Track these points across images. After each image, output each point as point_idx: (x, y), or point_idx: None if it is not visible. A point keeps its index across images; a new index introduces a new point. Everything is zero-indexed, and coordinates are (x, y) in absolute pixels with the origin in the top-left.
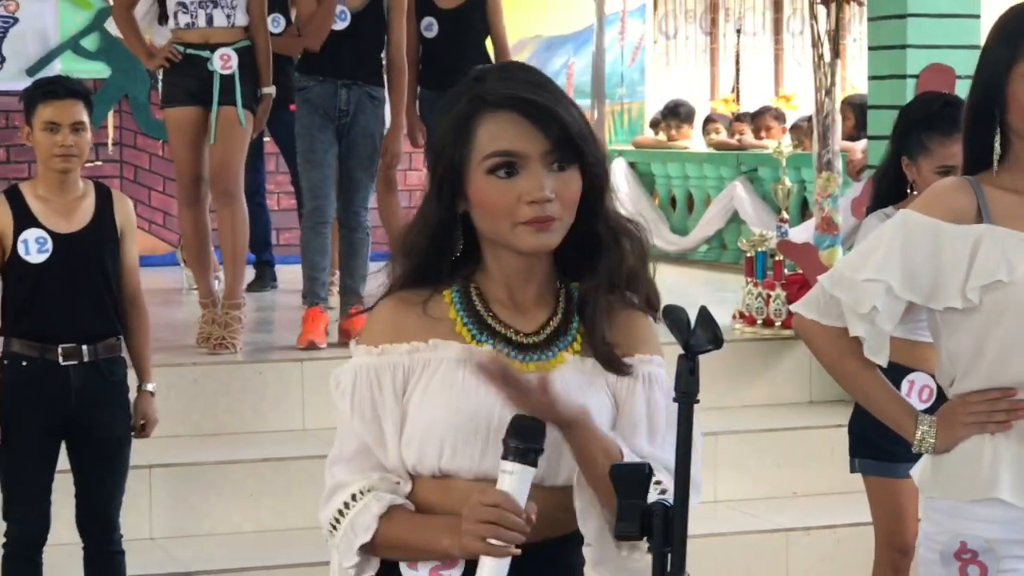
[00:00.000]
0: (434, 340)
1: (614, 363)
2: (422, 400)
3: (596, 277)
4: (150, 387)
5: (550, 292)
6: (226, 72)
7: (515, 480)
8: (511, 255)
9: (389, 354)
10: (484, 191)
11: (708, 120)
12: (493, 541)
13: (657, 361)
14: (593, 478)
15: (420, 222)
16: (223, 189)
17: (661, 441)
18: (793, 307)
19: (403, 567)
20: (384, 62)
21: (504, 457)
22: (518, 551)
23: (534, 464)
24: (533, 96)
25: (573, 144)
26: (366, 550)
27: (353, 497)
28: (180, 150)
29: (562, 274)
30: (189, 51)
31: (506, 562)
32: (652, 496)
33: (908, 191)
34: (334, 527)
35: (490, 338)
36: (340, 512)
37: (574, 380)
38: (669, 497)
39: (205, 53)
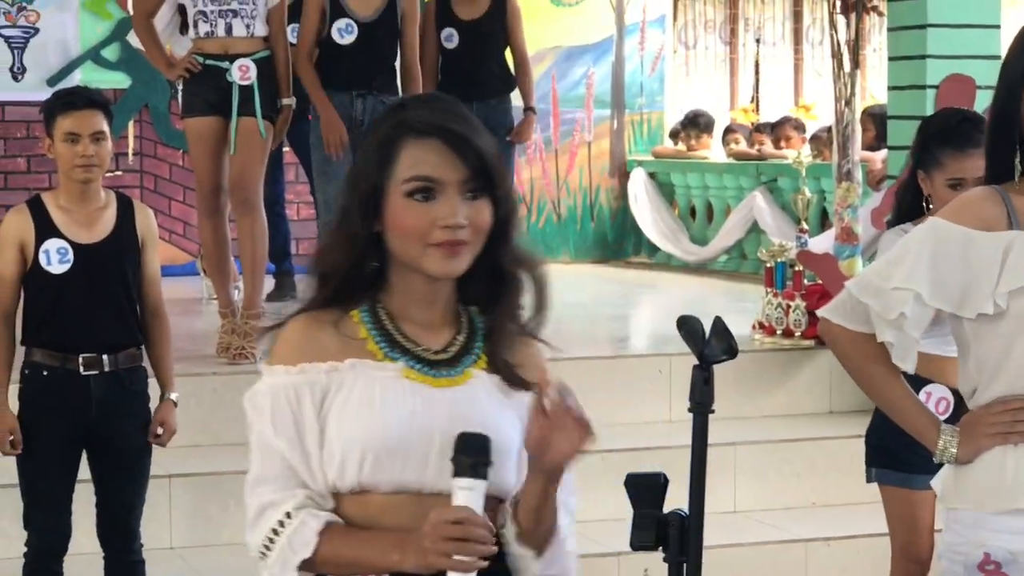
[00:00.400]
0: (351, 360)
1: (517, 381)
2: (340, 417)
3: (497, 306)
4: (173, 396)
5: (452, 313)
6: (245, 83)
7: (474, 495)
8: (419, 277)
9: (308, 372)
10: (401, 213)
11: (728, 130)
12: (461, 557)
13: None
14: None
15: (339, 241)
16: (242, 199)
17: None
18: (820, 312)
19: None
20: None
21: (457, 474)
22: (486, 564)
23: (486, 477)
24: (455, 126)
25: (488, 175)
26: (304, 567)
27: (287, 515)
28: (200, 160)
29: (463, 299)
30: (208, 62)
31: None
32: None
33: (926, 206)
34: (267, 548)
35: (401, 355)
36: (274, 531)
37: (485, 395)
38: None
39: (224, 64)
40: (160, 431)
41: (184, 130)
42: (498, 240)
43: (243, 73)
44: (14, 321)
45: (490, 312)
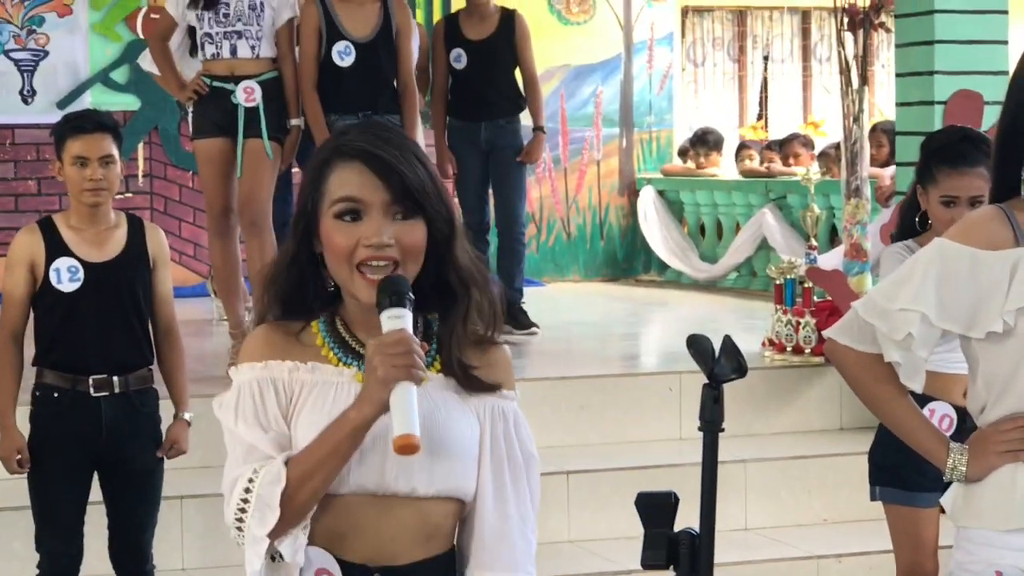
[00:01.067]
0: (312, 363)
1: (472, 381)
2: (307, 422)
3: (447, 321)
4: (187, 416)
5: None
6: (249, 105)
7: (404, 321)
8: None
9: (272, 368)
10: (330, 233)
11: (742, 147)
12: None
13: (514, 396)
14: None
15: (281, 258)
16: (251, 220)
17: (513, 510)
18: (826, 332)
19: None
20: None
21: (382, 309)
22: (429, 377)
23: (407, 306)
24: (378, 151)
25: (413, 198)
26: (284, 511)
27: (254, 471)
28: (209, 181)
29: (421, 306)
30: (215, 83)
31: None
32: None
33: (920, 222)
34: (242, 510)
35: (355, 360)
36: (246, 491)
37: (440, 397)
38: None
39: (230, 85)
40: (168, 448)
41: (193, 151)
42: (441, 258)
43: (248, 95)
44: (22, 341)
45: (443, 322)
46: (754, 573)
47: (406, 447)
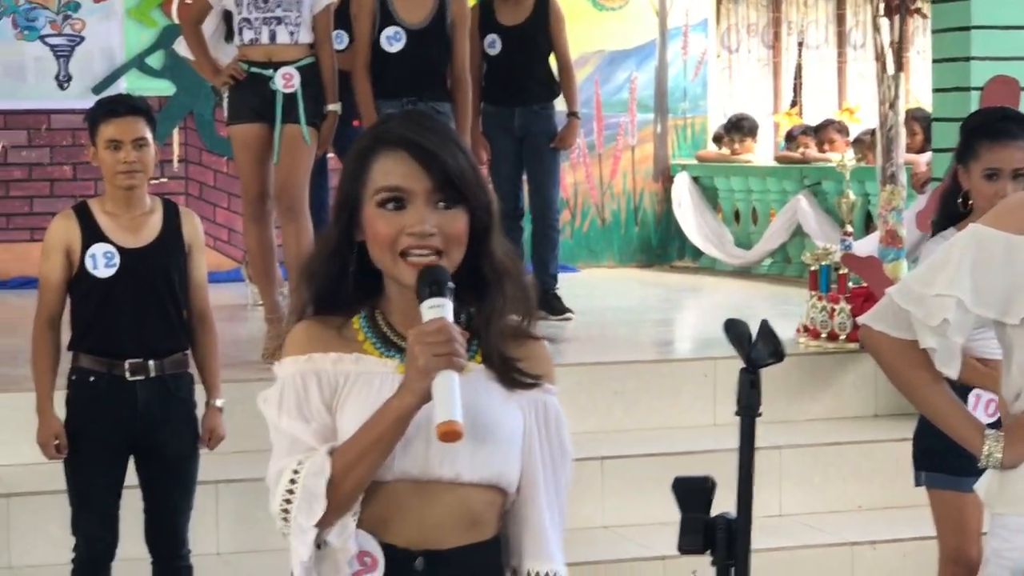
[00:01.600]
0: (356, 354)
1: (513, 378)
2: (351, 413)
3: (483, 313)
4: (219, 402)
5: None
6: (288, 91)
7: (445, 310)
8: (404, 287)
9: (315, 361)
10: (373, 222)
11: (801, 132)
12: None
13: (554, 391)
14: None
15: (321, 247)
16: (288, 206)
17: (555, 501)
18: (861, 319)
19: None
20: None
21: (423, 299)
22: (470, 366)
23: (448, 296)
24: (421, 140)
25: (455, 186)
26: (331, 501)
27: (299, 463)
28: (245, 167)
29: (461, 299)
30: (253, 69)
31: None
32: None
33: (964, 203)
34: (288, 501)
35: (396, 353)
36: (291, 482)
37: (483, 387)
38: None
39: (268, 71)
40: (208, 437)
41: (229, 137)
42: (478, 248)
43: (287, 81)
44: (59, 326)
45: (479, 314)
46: (788, 559)
47: (449, 434)
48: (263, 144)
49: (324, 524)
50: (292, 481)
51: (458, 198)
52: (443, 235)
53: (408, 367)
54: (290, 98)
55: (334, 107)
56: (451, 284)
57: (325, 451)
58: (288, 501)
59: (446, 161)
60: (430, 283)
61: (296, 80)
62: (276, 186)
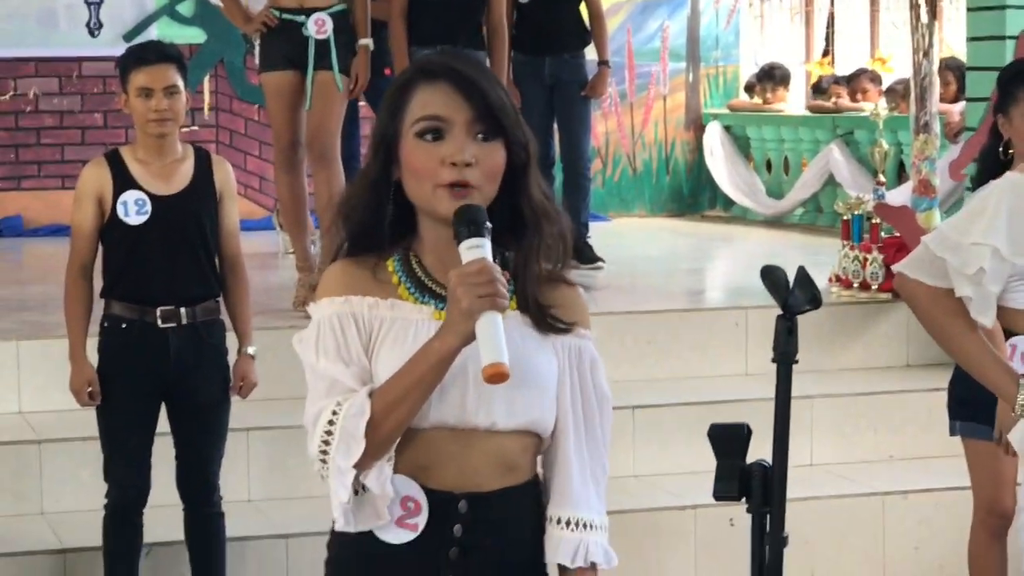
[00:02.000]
0: (392, 299)
1: (548, 323)
2: (386, 358)
3: (521, 252)
4: (250, 350)
5: None
6: (320, 37)
7: (484, 251)
8: (441, 222)
9: (352, 303)
10: (411, 153)
11: (833, 82)
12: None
13: (590, 336)
14: None
15: (359, 184)
16: (319, 153)
17: (591, 448)
18: (896, 266)
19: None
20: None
21: (461, 240)
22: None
23: (487, 236)
24: (463, 69)
25: (495, 117)
26: (369, 443)
27: (338, 404)
28: (277, 115)
29: (497, 241)
30: (285, 16)
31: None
32: (564, 539)
33: (1004, 153)
34: (326, 443)
35: (431, 298)
36: (329, 423)
37: (518, 332)
38: (589, 537)
39: (300, 18)
40: (240, 385)
41: (261, 85)
42: (515, 186)
43: (319, 27)
44: (91, 274)
45: (516, 256)
46: (820, 509)
47: (496, 375)
48: (295, 92)
49: (362, 466)
50: (331, 422)
51: (497, 131)
52: (481, 168)
53: (450, 308)
54: (322, 44)
55: (366, 41)
56: (488, 224)
57: (365, 392)
58: (327, 442)
59: (487, 91)
60: (468, 223)
61: (329, 26)
62: (308, 133)
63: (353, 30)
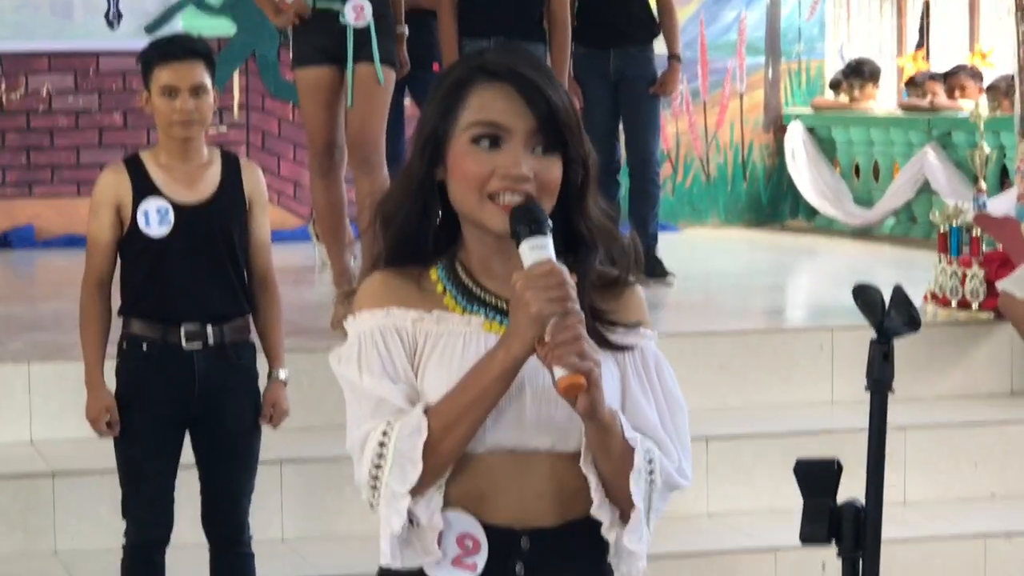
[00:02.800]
0: (437, 312)
1: (599, 336)
2: (434, 376)
3: (578, 269)
4: (282, 374)
5: None
6: (359, 25)
7: (548, 251)
8: (488, 232)
9: (395, 317)
10: (462, 158)
11: (928, 78)
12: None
13: (651, 335)
14: (597, 442)
15: (400, 187)
16: (363, 157)
17: (662, 418)
18: (1000, 284)
19: (426, 566)
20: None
21: (521, 240)
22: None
23: (548, 233)
24: (527, 72)
25: (558, 129)
26: (427, 463)
27: (388, 424)
28: (313, 114)
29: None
30: (319, 5)
31: None
32: (640, 468)
33: None
34: (378, 467)
35: (480, 307)
36: (380, 445)
37: None
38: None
39: (336, 6)
40: (271, 413)
41: (295, 81)
42: (572, 204)
43: (357, 14)
44: (109, 291)
45: (573, 272)
46: (913, 553)
47: (573, 386)
48: (332, 88)
49: (417, 492)
50: (382, 444)
51: (557, 143)
52: (538, 181)
53: (516, 314)
54: (362, 34)
55: (401, 29)
56: (549, 222)
57: (420, 409)
58: (378, 466)
59: (552, 100)
60: (528, 221)
61: (368, 11)
62: (350, 134)
63: (394, 15)
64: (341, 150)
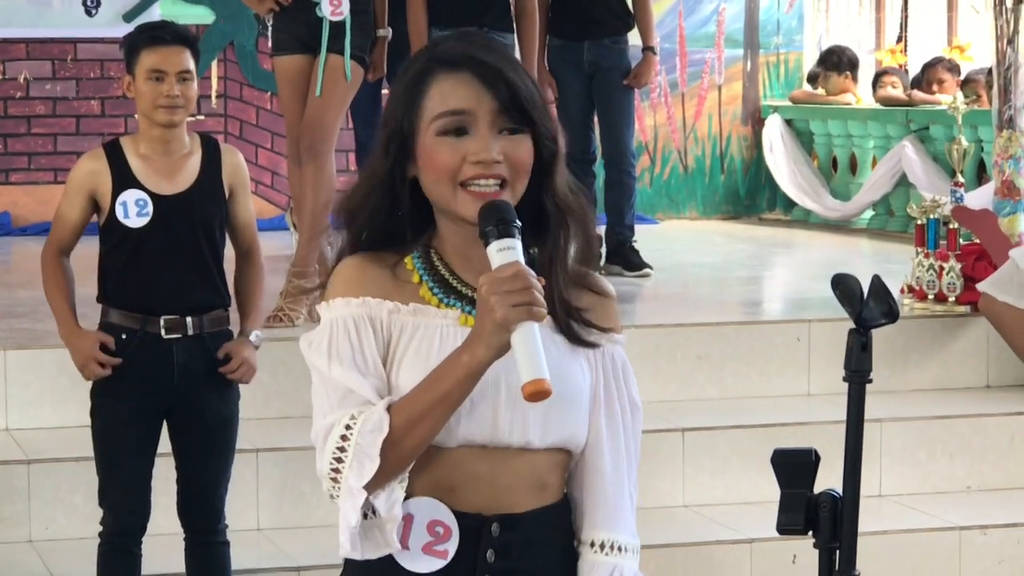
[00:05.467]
0: (414, 304)
1: (580, 332)
2: (409, 370)
3: (546, 251)
4: (253, 336)
5: None
6: (336, 19)
7: (516, 252)
8: (464, 222)
9: (370, 307)
10: (432, 151)
11: (884, 73)
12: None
13: (622, 340)
14: None
15: (364, 186)
16: (309, 144)
17: (624, 463)
18: (981, 286)
19: (396, 555)
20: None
21: (489, 241)
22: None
23: (517, 236)
24: (484, 57)
25: (522, 108)
26: (385, 459)
27: (352, 418)
28: (289, 102)
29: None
30: None
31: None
32: (599, 563)
33: None
34: (339, 459)
35: (456, 300)
36: (342, 438)
37: (549, 342)
38: (624, 561)
39: None
40: (239, 366)
41: (273, 70)
42: (540, 181)
43: (334, 8)
44: (68, 259)
45: (541, 256)
46: (889, 544)
47: (538, 393)
48: (307, 77)
49: (373, 487)
50: (344, 437)
51: (524, 122)
52: (509, 163)
53: (481, 318)
54: (337, 27)
55: (384, 33)
56: (517, 222)
57: (383, 405)
58: (339, 459)
59: (512, 80)
60: (496, 221)
61: (345, 7)
62: (304, 120)
63: (374, 13)
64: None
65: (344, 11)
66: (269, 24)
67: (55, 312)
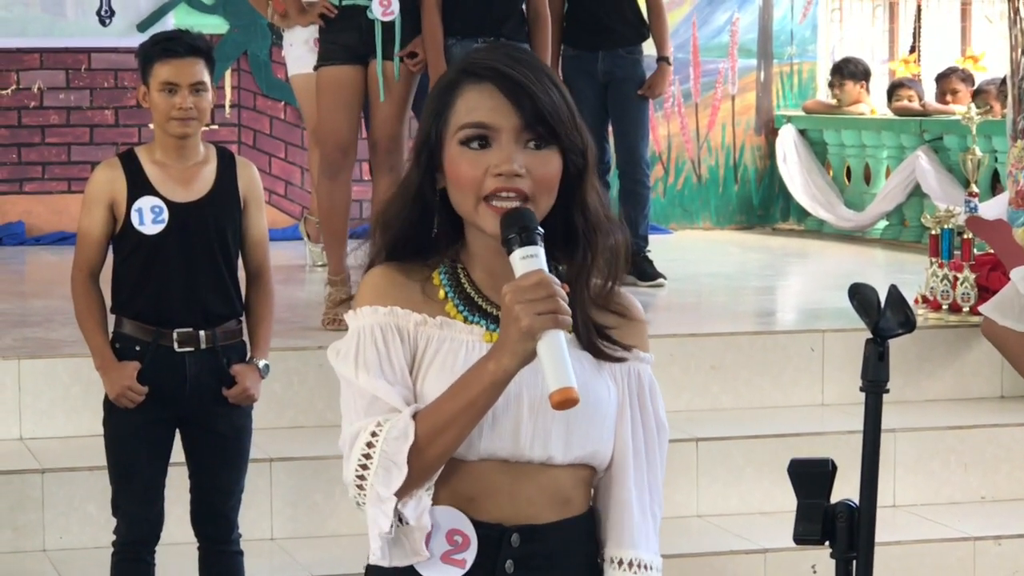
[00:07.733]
0: (441, 317)
1: (605, 349)
2: (434, 382)
3: (573, 268)
4: (261, 362)
5: None
6: (387, 19)
7: (540, 260)
8: (489, 235)
9: (398, 316)
10: (455, 162)
11: (900, 85)
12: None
13: (649, 359)
14: None
15: (399, 196)
16: (385, 152)
17: (649, 481)
18: (983, 309)
19: (416, 564)
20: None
21: (512, 249)
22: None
23: (539, 243)
24: (510, 71)
25: (546, 123)
26: (412, 467)
27: (378, 425)
28: (332, 113)
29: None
30: (345, 2)
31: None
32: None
33: None
34: (364, 467)
35: (482, 318)
36: (368, 446)
37: (573, 358)
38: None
39: (363, 1)
40: (242, 391)
41: (316, 78)
42: (570, 198)
43: (385, 8)
44: (98, 281)
45: (568, 272)
46: (903, 555)
47: (566, 401)
48: (354, 88)
49: (401, 494)
50: (369, 445)
51: (550, 138)
52: (532, 178)
53: (507, 327)
54: (388, 29)
55: None
56: (540, 229)
57: (409, 413)
58: (364, 467)
59: (537, 95)
60: (518, 229)
61: (395, 6)
62: (377, 133)
63: (420, 9)
64: (354, 152)
65: (395, 11)
66: (283, 32)
67: (89, 342)
